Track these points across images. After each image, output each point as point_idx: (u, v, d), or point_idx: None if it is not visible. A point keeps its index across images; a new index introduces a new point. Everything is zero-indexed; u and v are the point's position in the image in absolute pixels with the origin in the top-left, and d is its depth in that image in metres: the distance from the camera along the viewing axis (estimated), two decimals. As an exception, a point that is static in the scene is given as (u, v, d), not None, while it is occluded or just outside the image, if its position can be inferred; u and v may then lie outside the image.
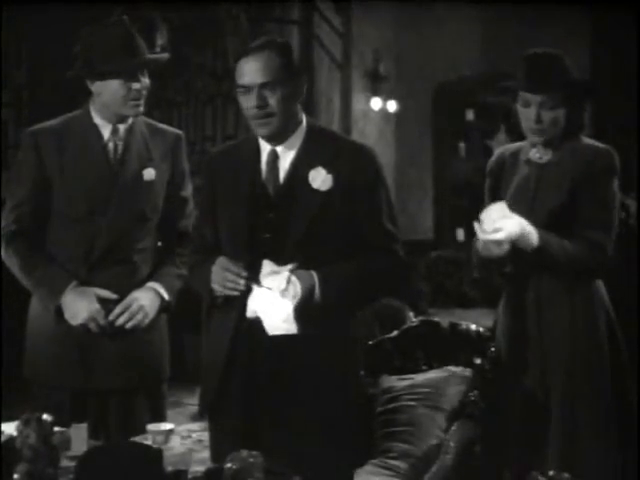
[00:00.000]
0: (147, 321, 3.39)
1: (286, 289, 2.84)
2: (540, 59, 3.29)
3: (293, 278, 2.85)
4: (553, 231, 3.20)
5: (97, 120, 3.42)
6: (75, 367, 3.38)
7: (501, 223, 3.07)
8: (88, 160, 3.40)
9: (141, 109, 3.40)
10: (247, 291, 2.91)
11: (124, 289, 3.40)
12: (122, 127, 3.42)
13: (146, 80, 3.38)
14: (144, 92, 3.37)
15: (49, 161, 3.41)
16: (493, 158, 3.47)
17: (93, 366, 3.38)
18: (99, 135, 3.42)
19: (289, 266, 2.86)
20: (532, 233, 3.12)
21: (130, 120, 3.43)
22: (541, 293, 3.29)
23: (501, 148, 3.52)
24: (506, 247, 3.11)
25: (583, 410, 3.22)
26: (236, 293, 2.91)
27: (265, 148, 3.01)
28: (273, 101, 2.93)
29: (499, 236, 3.08)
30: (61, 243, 3.42)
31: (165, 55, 3.46)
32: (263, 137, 2.99)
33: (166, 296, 3.45)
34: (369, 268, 2.98)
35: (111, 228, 3.37)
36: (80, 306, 3.34)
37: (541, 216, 3.23)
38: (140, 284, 3.43)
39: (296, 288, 2.85)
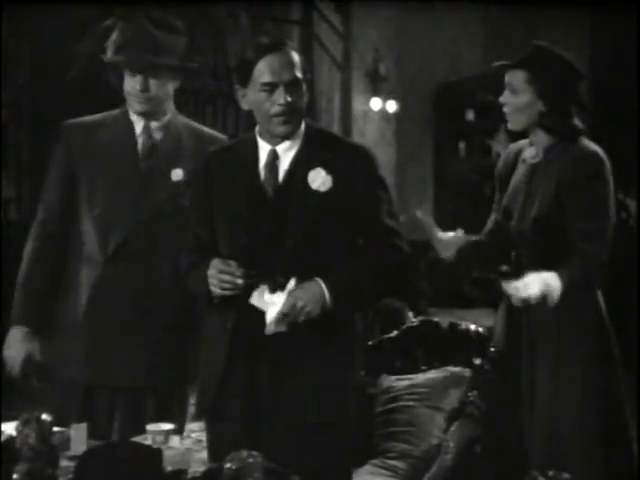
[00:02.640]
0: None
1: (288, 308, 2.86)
2: (535, 47, 3.31)
3: (297, 294, 2.86)
4: (540, 236, 3.20)
5: (133, 117, 3.43)
6: (86, 363, 3.39)
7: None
8: (117, 154, 3.40)
9: (146, 107, 3.37)
10: (245, 290, 2.91)
11: (140, 287, 3.39)
12: (155, 125, 3.42)
13: (158, 82, 3.35)
14: (153, 93, 3.35)
15: (77, 155, 3.43)
16: (501, 157, 3.51)
17: (104, 362, 3.38)
18: (132, 131, 3.42)
19: (291, 284, 2.87)
20: (555, 290, 3.12)
21: (166, 118, 3.43)
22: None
23: (510, 146, 3.53)
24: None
25: (568, 413, 3.21)
26: (235, 292, 2.91)
27: (265, 148, 3.01)
28: (298, 99, 2.93)
29: (532, 292, 3.09)
30: (84, 237, 3.42)
31: (194, 65, 3.45)
32: (281, 136, 2.97)
33: None
34: (376, 266, 2.98)
35: (130, 222, 3.37)
36: (10, 349, 3.42)
37: (531, 217, 3.24)
38: (159, 284, 3.42)
39: (300, 306, 2.86)
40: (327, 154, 2.98)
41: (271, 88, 2.92)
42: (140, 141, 3.42)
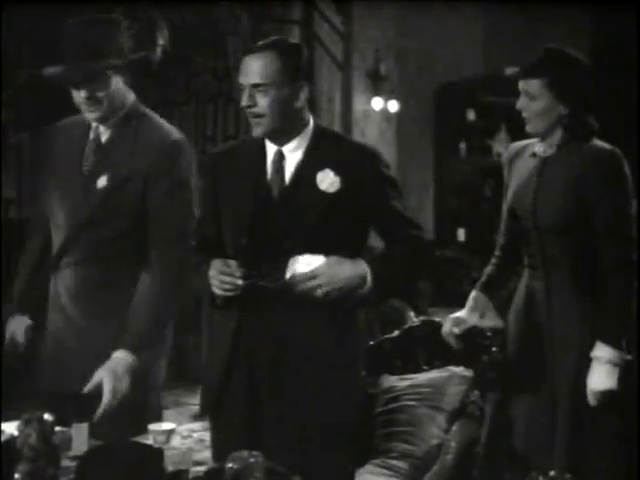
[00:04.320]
0: None
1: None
2: (547, 51, 3.30)
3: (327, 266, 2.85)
4: (559, 232, 3.19)
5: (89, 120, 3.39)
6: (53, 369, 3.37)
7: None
8: (69, 159, 3.38)
9: (97, 115, 3.27)
10: (246, 291, 2.91)
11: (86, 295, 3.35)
12: (104, 126, 3.33)
13: (102, 86, 3.24)
14: (99, 99, 3.24)
15: (41, 164, 3.43)
16: (505, 153, 3.50)
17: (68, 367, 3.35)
18: (86, 134, 3.36)
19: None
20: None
21: (120, 115, 3.31)
22: (552, 298, 3.26)
23: (513, 144, 3.52)
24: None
25: (590, 413, 3.20)
26: (236, 293, 2.91)
27: (271, 148, 3.01)
28: (264, 102, 2.92)
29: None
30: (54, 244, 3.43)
31: (105, 63, 3.31)
32: (257, 136, 2.99)
33: None
34: (404, 256, 2.99)
35: (70, 230, 3.32)
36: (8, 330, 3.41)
37: (546, 213, 3.22)
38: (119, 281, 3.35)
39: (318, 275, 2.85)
40: (335, 155, 2.97)
41: (242, 88, 2.95)
42: (88, 142, 3.36)
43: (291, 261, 2.87)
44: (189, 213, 3.27)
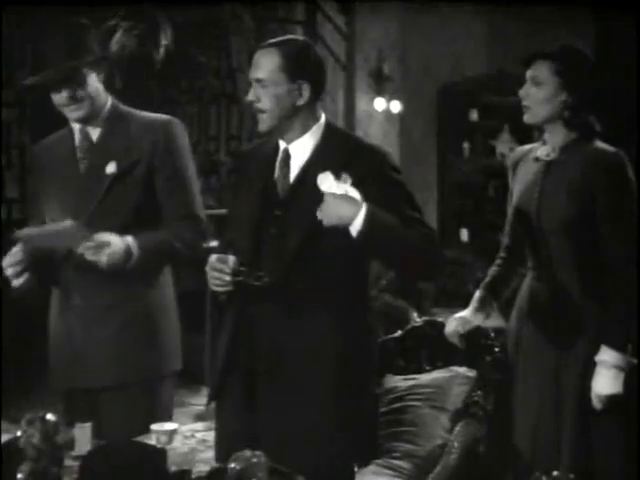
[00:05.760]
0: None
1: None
2: (558, 45, 3.31)
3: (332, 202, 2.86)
4: (564, 234, 3.19)
5: (73, 124, 3.40)
6: (65, 366, 3.37)
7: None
8: (64, 162, 3.40)
9: (80, 113, 3.32)
10: (236, 287, 2.91)
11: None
12: (92, 125, 3.37)
13: (80, 85, 3.29)
14: (80, 98, 3.30)
15: (37, 174, 3.47)
16: (509, 158, 3.51)
17: (82, 363, 3.35)
18: (73, 137, 3.40)
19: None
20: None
21: (104, 112, 3.37)
22: (556, 300, 3.26)
23: (518, 148, 3.53)
24: None
25: (595, 415, 3.19)
26: (226, 289, 2.92)
27: (282, 145, 3.02)
28: (265, 99, 2.95)
29: None
30: None
31: (75, 63, 3.33)
32: (261, 132, 3.02)
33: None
34: (409, 234, 2.92)
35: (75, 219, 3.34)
36: None
37: (551, 215, 3.22)
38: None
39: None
40: (339, 155, 2.96)
41: (251, 83, 2.99)
42: (78, 144, 3.38)
43: (322, 175, 2.87)
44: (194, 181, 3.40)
